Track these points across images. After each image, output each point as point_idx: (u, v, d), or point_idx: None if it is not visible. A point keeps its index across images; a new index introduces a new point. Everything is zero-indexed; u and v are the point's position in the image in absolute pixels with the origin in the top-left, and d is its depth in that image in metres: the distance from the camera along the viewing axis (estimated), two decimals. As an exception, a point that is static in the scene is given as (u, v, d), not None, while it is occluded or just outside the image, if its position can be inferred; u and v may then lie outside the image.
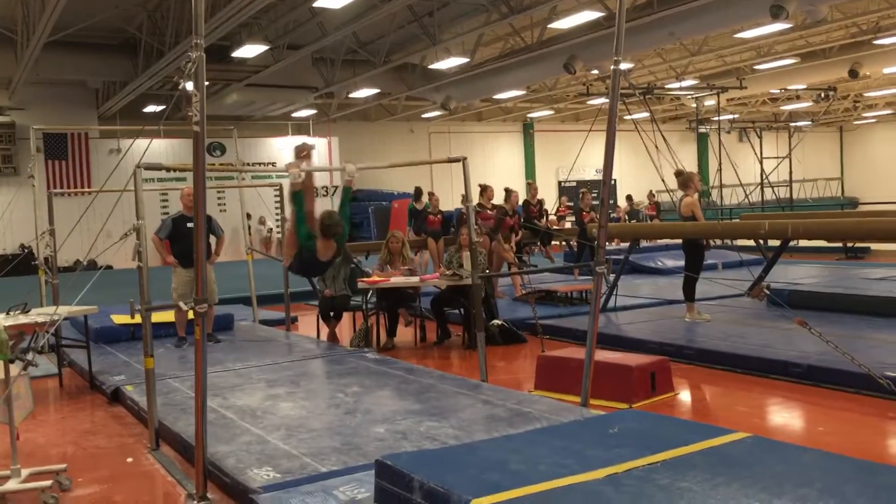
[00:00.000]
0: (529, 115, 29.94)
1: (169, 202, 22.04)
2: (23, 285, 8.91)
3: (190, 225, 7.92)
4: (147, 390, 5.26)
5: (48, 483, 4.41)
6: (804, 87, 24.96)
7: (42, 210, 9.76)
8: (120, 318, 9.11)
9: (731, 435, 4.01)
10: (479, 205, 11.58)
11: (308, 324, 10.39)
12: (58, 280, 8.78)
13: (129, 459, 5.14)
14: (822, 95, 25.13)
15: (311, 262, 6.08)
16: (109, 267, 17.75)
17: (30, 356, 4.10)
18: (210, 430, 4.41)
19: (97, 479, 4.78)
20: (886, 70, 21.82)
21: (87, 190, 19.30)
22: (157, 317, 7.94)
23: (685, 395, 6.38)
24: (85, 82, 20.85)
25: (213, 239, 8.61)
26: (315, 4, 13.14)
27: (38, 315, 6.35)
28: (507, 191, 12.29)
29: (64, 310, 6.50)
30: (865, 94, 29.03)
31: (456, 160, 6.56)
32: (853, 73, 20.43)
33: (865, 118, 34.86)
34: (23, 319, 6.20)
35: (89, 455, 5.30)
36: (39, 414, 6.17)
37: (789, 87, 25.34)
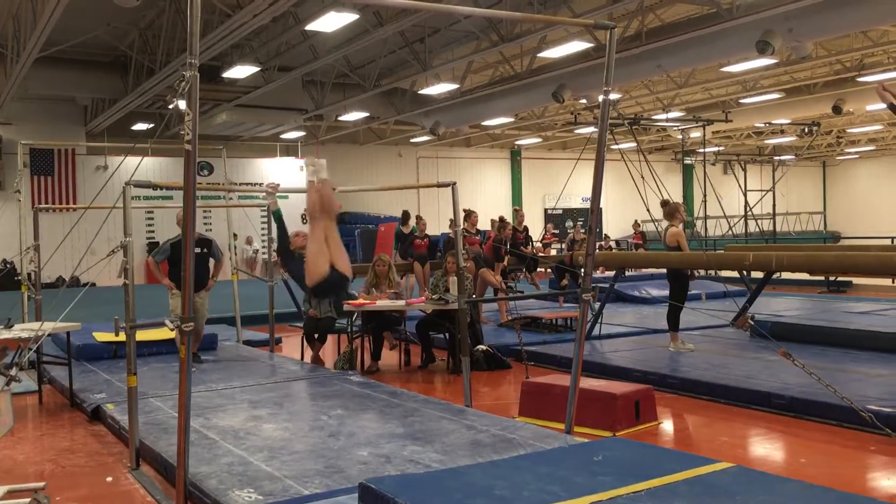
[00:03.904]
0: (517, 143, 30.15)
1: (154, 220, 22.01)
2: (5, 301, 8.84)
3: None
4: (129, 409, 5.21)
5: (26, 501, 4.35)
6: (788, 121, 25.30)
7: (27, 225, 9.71)
8: (102, 336, 9.05)
9: (715, 465, 4.03)
10: (465, 230, 11.63)
11: (292, 345, 10.35)
12: (41, 296, 8.71)
13: (109, 479, 5.09)
14: (806, 130, 25.44)
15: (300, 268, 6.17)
16: (92, 284, 17.62)
17: (13, 372, 4.07)
18: (191, 451, 4.38)
19: (76, 497, 4.73)
20: (869, 107, 22.16)
21: (73, 206, 19.22)
22: (141, 335, 7.90)
23: (668, 425, 6.39)
24: (74, 99, 20.83)
25: (211, 262, 8.53)
26: (307, 28, 13.22)
27: (21, 330, 6.30)
28: (502, 221, 12.37)
29: (48, 326, 6.45)
30: (848, 130, 29.46)
31: (445, 185, 6.59)
32: (837, 110, 20.73)
33: (848, 154, 35.33)
34: (6, 335, 6.15)
35: (68, 473, 5.24)
36: (18, 431, 6.10)
37: (774, 122, 25.68)
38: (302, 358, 9.34)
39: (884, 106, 9.82)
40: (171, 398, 6.55)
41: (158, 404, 6.54)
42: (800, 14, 12.21)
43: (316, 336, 9.26)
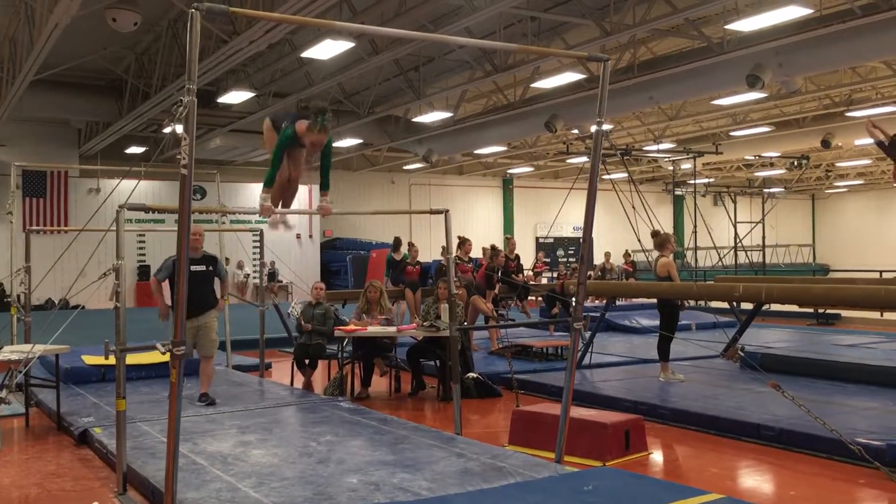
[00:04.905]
0: (509, 171, 30.31)
1: (146, 243, 21.98)
2: (-7, 322, 8.81)
3: (194, 268, 7.36)
4: (117, 433, 5.17)
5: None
6: (778, 154, 25.54)
7: (18, 247, 9.69)
8: (91, 359, 8.99)
9: (705, 496, 4.04)
10: (457, 258, 11.65)
11: (282, 371, 10.30)
12: (30, 318, 8.66)
13: (95, 503, 5.04)
14: (795, 163, 25.70)
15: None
16: (82, 307, 17.55)
17: (3, 394, 4.05)
18: (179, 476, 4.35)
19: (61, 522, 4.68)
20: (857, 142, 22.39)
21: (64, 229, 19.17)
22: (131, 359, 7.84)
23: (658, 455, 6.38)
24: (68, 121, 20.86)
25: (216, 282, 7.99)
26: (303, 55, 13.33)
27: (11, 352, 6.26)
28: (495, 249, 12.43)
29: (39, 348, 6.42)
30: (837, 164, 29.73)
31: (438, 212, 6.62)
32: (825, 144, 20.95)
33: (837, 187, 35.64)
34: (-6, 356, 6.12)
35: (54, 498, 5.19)
36: (4, 454, 6.06)
37: (764, 154, 25.92)
38: (292, 383, 9.30)
39: (872, 141, 9.96)
40: (160, 423, 6.51)
41: (146, 429, 6.49)
42: (789, 49, 12.40)
43: (306, 362, 9.23)
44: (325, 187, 5.81)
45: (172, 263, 7.64)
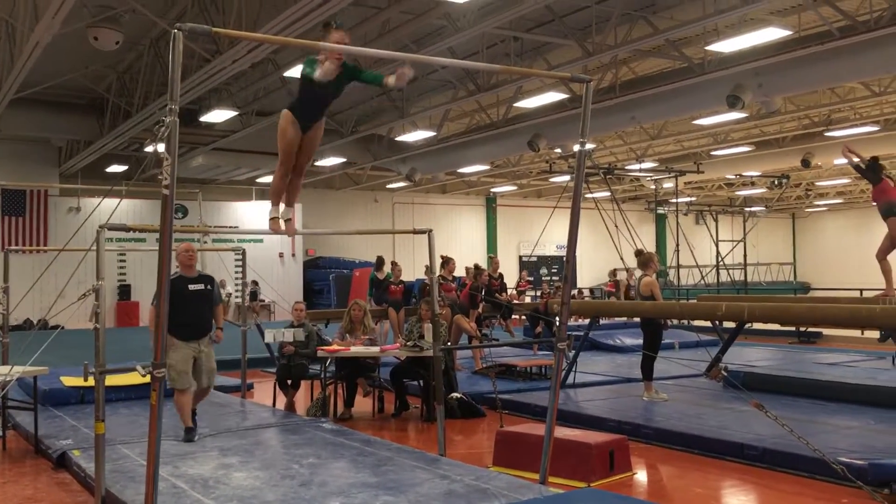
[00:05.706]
0: (493, 190, 30.39)
1: (126, 263, 21.80)
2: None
3: (192, 287, 6.94)
4: (96, 456, 5.09)
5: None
6: (759, 173, 25.78)
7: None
8: (70, 381, 8.88)
9: (690, 517, 4.01)
10: (441, 277, 11.63)
11: (264, 391, 10.21)
12: (8, 339, 8.55)
13: (73, 528, 4.95)
14: (776, 183, 25.94)
15: (310, 94, 5.25)
16: (61, 327, 17.34)
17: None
18: (159, 500, 4.28)
19: (37, 548, 4.59)
20: (837, 161, 22.62)
21: (44, 248, 18.98)
22: (110, 380, 7.72)
23: (643, 475, 6.36)
24: (48, 140, 20.73)
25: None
26: (286, 74, 13.33)
27: (-13, 374, 6.17)
28: (478, 268, 12.44)
29: (17, 369, 6.32)
30: (817, 183, 30.04)
31: (422, 232, 6.61)
32: (805, 163, 21.17)
33: (817, 206, 36.00)
34: (-30, 378, 6.02)
35: (30, 523, 5.10)
36: (-21, 478, 5.95)
37: (744, 174, 26.17)
38: (274, 404, 9.22)
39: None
40: (140, 445, 6.41)
41: (126, 452, 6.40)
42: (769, 70, 12.55)
43: (289, 382, 9.16)
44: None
45: (170, 283, 7.07)
